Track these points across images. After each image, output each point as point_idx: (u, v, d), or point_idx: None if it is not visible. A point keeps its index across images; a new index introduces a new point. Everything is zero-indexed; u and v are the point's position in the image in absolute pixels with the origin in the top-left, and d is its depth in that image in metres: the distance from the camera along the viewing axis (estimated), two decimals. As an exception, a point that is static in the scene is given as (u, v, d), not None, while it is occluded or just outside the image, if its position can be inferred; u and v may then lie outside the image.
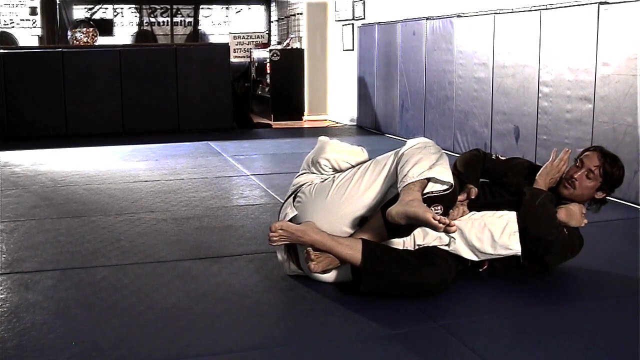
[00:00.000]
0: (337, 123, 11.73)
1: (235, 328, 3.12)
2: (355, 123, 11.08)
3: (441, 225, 3.12)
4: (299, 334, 3.10)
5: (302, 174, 3.81)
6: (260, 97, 12.92)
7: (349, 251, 3.38)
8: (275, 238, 3.46)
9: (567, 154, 3.87)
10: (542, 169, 3.85)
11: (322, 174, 3.72)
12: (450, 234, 3.46)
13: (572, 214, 3.66)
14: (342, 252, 3.39)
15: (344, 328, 3.14)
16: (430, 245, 3.52)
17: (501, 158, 4.09)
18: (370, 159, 3.70)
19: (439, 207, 3.32)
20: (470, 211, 3.68)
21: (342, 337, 3.05)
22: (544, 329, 3.13)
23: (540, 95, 6.48)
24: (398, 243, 3.49)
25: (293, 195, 3.69)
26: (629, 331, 3.10)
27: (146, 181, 6.46)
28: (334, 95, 12.20)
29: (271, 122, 11.66)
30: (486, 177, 4.04)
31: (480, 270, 3.73)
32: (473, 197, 3.77)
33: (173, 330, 3.08)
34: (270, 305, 3.43)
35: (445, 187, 3.39)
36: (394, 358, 2.85)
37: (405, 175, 3.33)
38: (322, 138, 3.89)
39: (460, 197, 3.74)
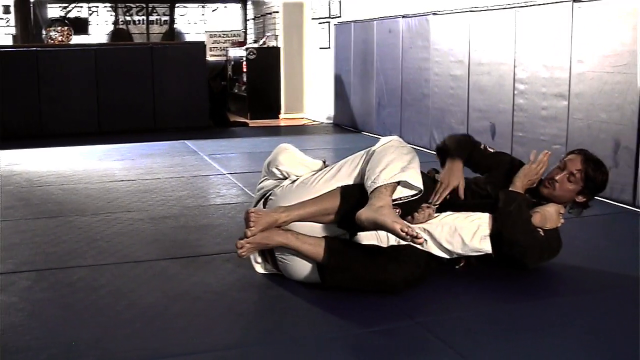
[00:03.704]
0: (314, 121, 11.73)
1: (213, 327, 3.11)
2: (332, 121, 11.09)
3: (408, 237, 3.13)
4: (277, 332, 3.10)
5: (264, 180, 3.81)
6: (236, 95, 12.90)
7: (314, 249, 3.41)
8: (243, 253, 3.46)
9: (546, 156, 3.82)
10: (520, 170, 3.81)
11: (276, 180, 3.73)
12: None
13: (547, 217, 3.66)
14: (307, 250, 3.42)
15: (322, 326, 3.14)
16: (403, 243, 3.49)
17: (489, 150, 4.05)
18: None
19: (398, 211, 3.32)
20: (444, 211, 3.68)
21: (320, 334, 3.05)
22: (521, 325, 3.15)
23: (515, 92, 6.51)
24: (372, 241, 3.48)
25: (263, 200, 3.68)
26: (605, 325, 3.13)
27: (122, 181, 6.43)
28: (311, 93, 12.20)
29: (248, 121, 11.65)
30: (471, 166, 4.03)
31: (457, 267, 3.74)
32: (461, 194, 3.78)
33: (150, 330, 3.07)
34: (248, 304, 3.42)
35: (414, 192, 3.40)
36: (372, 355, 2.86)
37: (376, 176, 3.32)
38: (281, 146, 3.86)
39: (442, 192, 3.74)
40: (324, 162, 3.84)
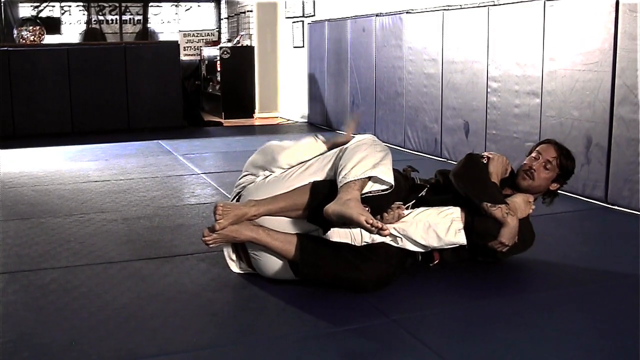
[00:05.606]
0: (288, 120, 11.74)
1: (188, 327, 3.10)
2: (306, 120, 11.10)
3: (373, 229, 3.14)
4: (251, 332, 3.09)
5: (245, 176, 3.80)
6: (211, 95, 12.86)
7: (285, 246, 3.42)
8: (210, 243, 3.46)
9: None
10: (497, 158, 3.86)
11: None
12: (396, 235, 3.50)
13: (516, 208, 3.68)
14: (277, 247, 3.43)
15: (296, 325, 3.14)
16: (377, 242, 3.47)
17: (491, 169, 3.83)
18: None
19: (367, 208, 3.32)
20: (416, 207, 3.69)
21: (295, 334, 3.05)
22: (494, 321, 3.17)
23: (489, 90, 6.55)
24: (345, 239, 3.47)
25: (237, 197, 3.68)
26: (578, 321, 3.16)
27: (96, 181, 6.40)
28: (285, 92, 12.20)
29: (222, 120, 11.63)
30: None
31: (431, 264, 3.75)
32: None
33: (125, 331, 3.05)
34: (222, 304, 3.42)
35: (385, 187, 3.41)
36: (347, 354, 2.86)
37: (347, 172, 3.33)
38: (270, 144, 3.82)
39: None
40: (316, 136, 3.82)
